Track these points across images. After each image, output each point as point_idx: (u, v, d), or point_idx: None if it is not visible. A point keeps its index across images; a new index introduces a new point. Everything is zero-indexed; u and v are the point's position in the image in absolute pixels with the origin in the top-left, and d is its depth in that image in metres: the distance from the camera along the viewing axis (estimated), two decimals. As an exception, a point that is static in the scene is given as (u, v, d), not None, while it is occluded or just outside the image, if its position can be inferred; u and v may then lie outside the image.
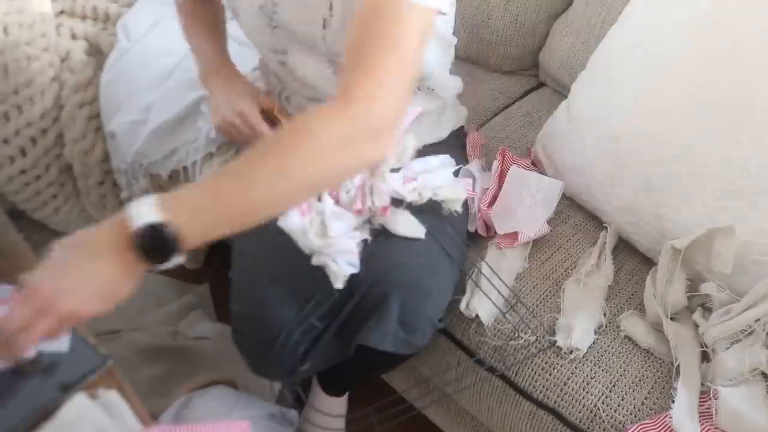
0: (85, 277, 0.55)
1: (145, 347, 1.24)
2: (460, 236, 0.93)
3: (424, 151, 0.98)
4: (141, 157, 1.22)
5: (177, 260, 0.57)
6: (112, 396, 0.61)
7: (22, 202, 1.35)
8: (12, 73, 1.22)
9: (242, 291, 0.85)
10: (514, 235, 0.95)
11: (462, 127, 1.07)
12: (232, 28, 1.40)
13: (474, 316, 0.88)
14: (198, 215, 0.57)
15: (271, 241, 0.80)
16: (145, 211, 0.55)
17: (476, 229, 0.98)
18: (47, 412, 0.58)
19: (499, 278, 0.91)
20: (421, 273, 0.80)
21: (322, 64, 0.87)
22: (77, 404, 0.59)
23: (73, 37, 1.33)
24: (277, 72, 0.97)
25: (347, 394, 1.14)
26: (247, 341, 0.85)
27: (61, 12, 1.36)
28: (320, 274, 0.79)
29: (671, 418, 0.77)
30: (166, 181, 1.23)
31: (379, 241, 0.82)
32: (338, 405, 1.15)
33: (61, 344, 0.63)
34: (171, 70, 1.30)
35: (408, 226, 0.82)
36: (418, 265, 0.80)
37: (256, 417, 1.00)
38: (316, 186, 0.63)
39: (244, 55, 1.25)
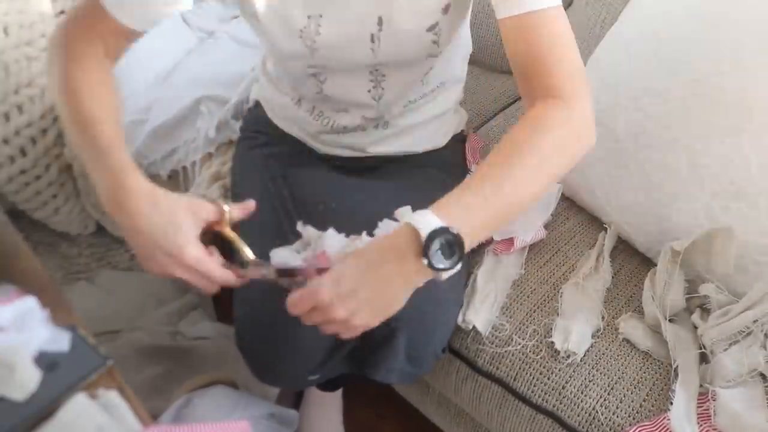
0: (379, 291, 0.60)
1: (145, 347, 1.25)
2: (465, 258, 0.93)
3: (425, 159, 0.98)
4: (140, 157, 1.22)
5: (457, 267, 0.60)
6: (112, 396, 0.61)
7: (22, 202, 1.36)
8: (12, 73, 1.22)
9: (246, 296, 0.84)
10: (510, 241, 0.94)
11: (462, 131, 1.07)
12: (232, 27, 1.41)
13: (471, 327, 0.88)
14: (471, 219, 0.61)
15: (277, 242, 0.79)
16: (430, 220, 0.58)
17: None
18: (47, 412, 0.58)
19: (495, 285, 0.91)
20: (427, 307, 0.79)
21: (361, 75, 0.86)
22: (77, 404, 0.59)
23: (74, 37, 1.33)
24: (304, 82, 0.90)
25: (341, 389, 1.14)
26: (253, 348, 0.84)
27: (61, 12, 1.36)
28: None
29: (670, 419, 0.77)
30: (166, 181, 1.23)
31: None
32: (333, 399, 1.15)
33: (61, 344, 0.64)
34: (171, 70, 1.30)
35: None
36: (424, 300, 0.77)
37: (256, 417, 1.00)
38: (554, 180, 0.67)
39: (243, 56, 1.25)
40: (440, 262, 0.59)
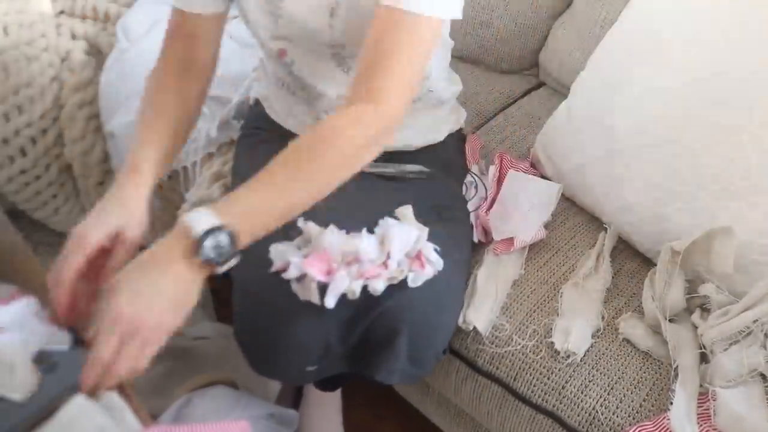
0: (159, 292, 0.61)
1: (145, 347, 1.24)
2: (467, 256, 0.93)
3: (425, 158, 0.98)
4: (141, 157, 1.22)
5: (235, 261, 0.64)
6: (112, 396, 0.61)
7: (22, 202, 1.36)
8: (12, 73, 1.22)
9: (245, 289, 0.84)
10: (510, 241, 0.94)
11: (460, 129, 1.07)
12: (232, 27, 1.40)
13: (471, 328, 0.88)
14: (248, 217, 0.65)
15: (278, 237, 0.79)
16: (202, 218, 0.62)
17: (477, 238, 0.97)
18: (47, 412, 0.58)
19: (495, 286, 0.91)
20: (428, 309, 0.79)
21: (323, 55, 0.86)
22: (77, 404, 0.59)
23: (73, 37, 1.33)
24: (276, 69, 0.95)
25: (341, 389, 1.14)
26: (251, 341, 0.84)
27: (61, 12, 1.37)
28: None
29: (670, 419, 0.77)
30: (166, 181, 1.23)
31: None
32: (332, 399, 1.15)
33: (61, 344, 0.64)
34: (171, 70, 1.30)
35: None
36: (425, 301, 0.78)
37: (256, 417, 1.00)
38: (341, 180, 0.70)
39: (243, 56, 1.25)
40: (212, 256, 0.62)
